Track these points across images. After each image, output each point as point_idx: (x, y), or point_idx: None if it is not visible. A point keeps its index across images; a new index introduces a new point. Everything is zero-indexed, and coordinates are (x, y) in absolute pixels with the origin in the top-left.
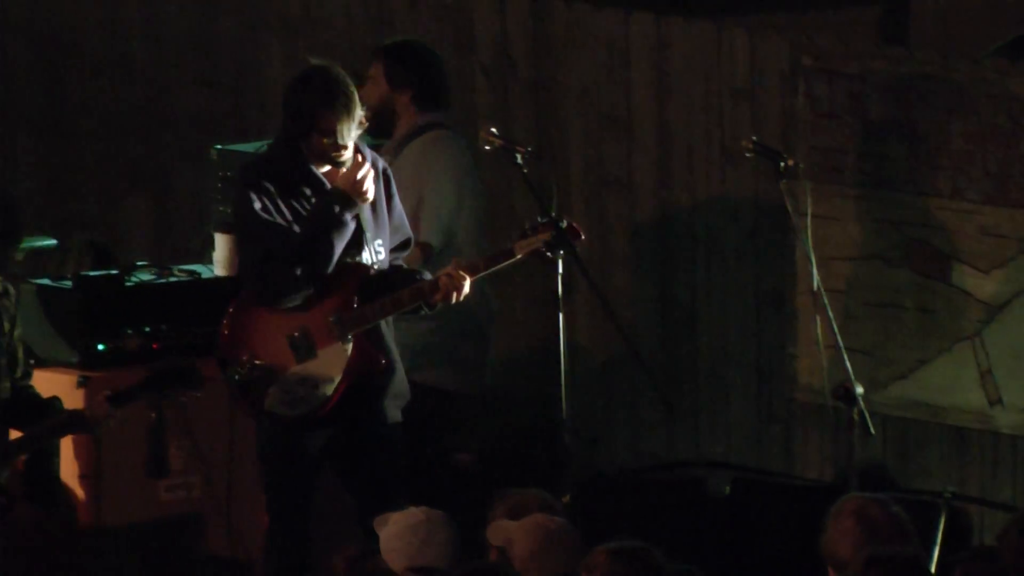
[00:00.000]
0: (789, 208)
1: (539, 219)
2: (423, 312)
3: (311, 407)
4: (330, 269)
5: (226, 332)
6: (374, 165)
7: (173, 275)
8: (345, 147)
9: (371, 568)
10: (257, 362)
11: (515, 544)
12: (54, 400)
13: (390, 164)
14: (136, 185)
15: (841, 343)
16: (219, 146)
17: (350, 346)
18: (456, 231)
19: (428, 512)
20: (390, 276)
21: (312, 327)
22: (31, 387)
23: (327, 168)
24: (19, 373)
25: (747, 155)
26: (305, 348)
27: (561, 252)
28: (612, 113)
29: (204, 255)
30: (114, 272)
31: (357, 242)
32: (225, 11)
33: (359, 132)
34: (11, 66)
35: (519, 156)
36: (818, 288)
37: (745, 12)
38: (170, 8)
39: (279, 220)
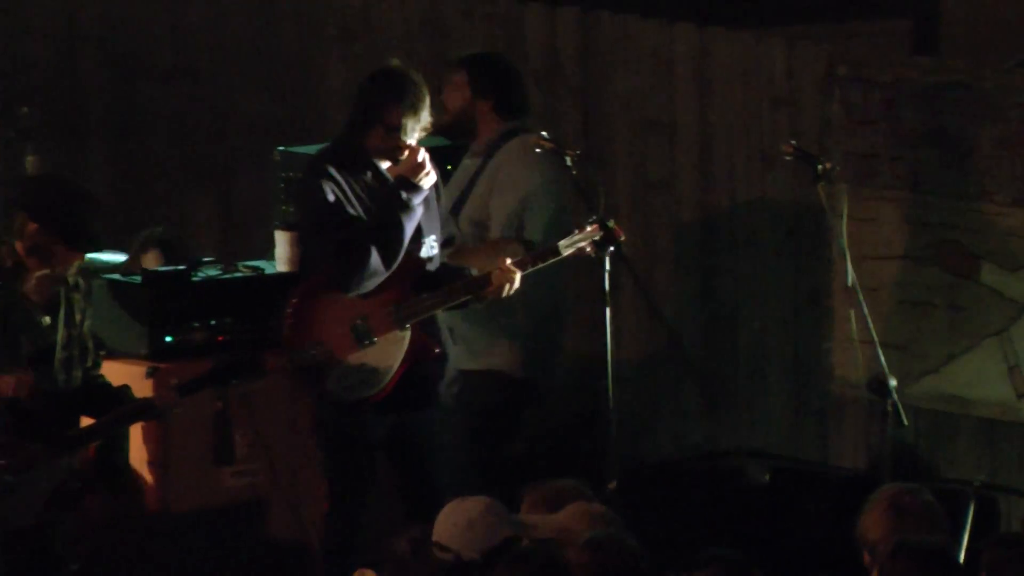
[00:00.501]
0: (826, 210)
1: (585, 221)
2: (471, 305)
3: (369, 392)
4: (402, 253)
5: (291, 320)
6: None
7: (237, 271)
8: (407, 144)
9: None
10: (320, 348)
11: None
12: (124, 389)
13: (480, 167)
14: (203, 186)
15: (875, 338)
16: (281, 148)
17: (407, 334)
18: (554, 229)
19: (477, 499)
20: (442, 271)
21: (372, 316)
22: (102, 376)
23: (387, 165)
24: (90, 363)
25: (786, 159)
26: (365, 336)
27: (609, 250)
28: (656, 118)
29: (267, 252)
30: (181, 268)
31: (414, 237)
32: (287, 21)
33: (422, 134)
34: (84, 73)
35: (568, 159)
36: (853, 286)
37: (783, 23)
38: (234, 18)
39: (350, 210)
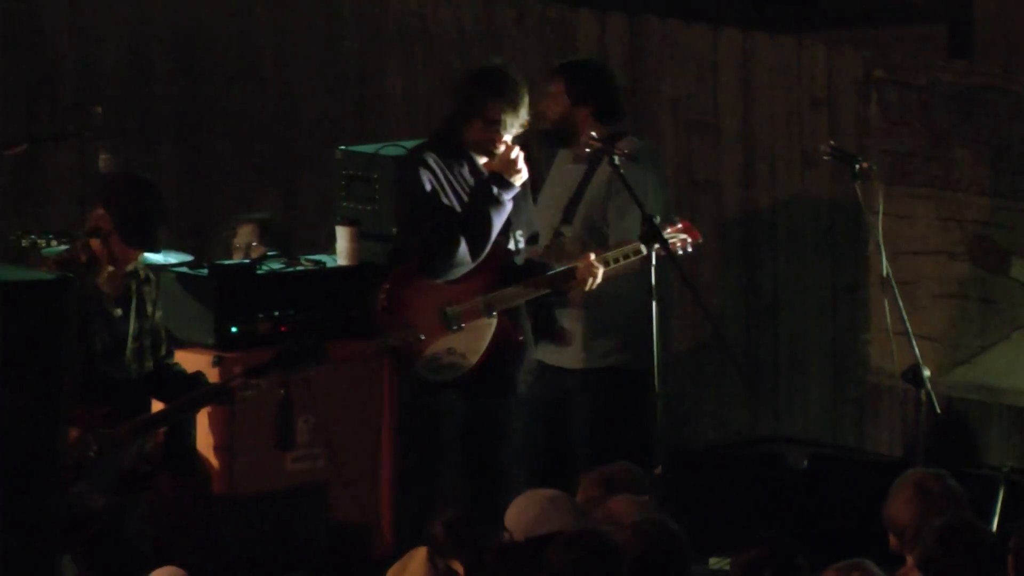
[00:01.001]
0: (863, 207)
1: (663, 220)
2: (553, 298)
3: (453, 375)
4: (488, 246)
5: (384, 304)
6: None
7: (300, 264)
8: (504, 140)
9: (473, 535)
10: (410, 331)
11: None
12: (199, 375)
13: (587, 173)
14: (267, 183)
15: (910, 330)
16: (343, 147)
17: (494, 322)
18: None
19: (547, 491)
20: (526, 265)
21: (461, 303)
22: (177, 364)
23: (484, 160)
24: (163, 351)
25: (825, 159)
26: (454, 321)
27: (655, 246)
28: (701, 120)
29: (329, 246)
30: (246, 261)
31: (503, 230)
32: (348, 25)
33: (520, 131)
34: (154, 74)
35: (617, 158)
36: (889, 280)
37: (823, 28)
38: (298, 22)
39: (444, 200)
